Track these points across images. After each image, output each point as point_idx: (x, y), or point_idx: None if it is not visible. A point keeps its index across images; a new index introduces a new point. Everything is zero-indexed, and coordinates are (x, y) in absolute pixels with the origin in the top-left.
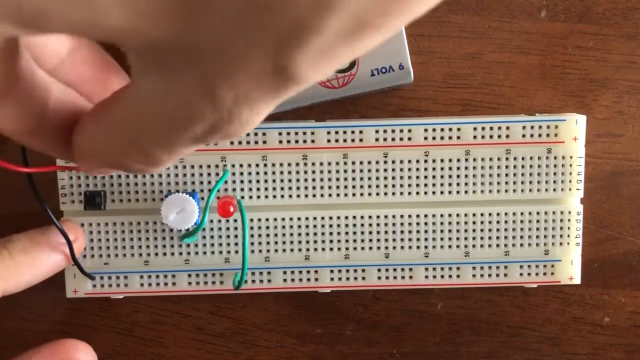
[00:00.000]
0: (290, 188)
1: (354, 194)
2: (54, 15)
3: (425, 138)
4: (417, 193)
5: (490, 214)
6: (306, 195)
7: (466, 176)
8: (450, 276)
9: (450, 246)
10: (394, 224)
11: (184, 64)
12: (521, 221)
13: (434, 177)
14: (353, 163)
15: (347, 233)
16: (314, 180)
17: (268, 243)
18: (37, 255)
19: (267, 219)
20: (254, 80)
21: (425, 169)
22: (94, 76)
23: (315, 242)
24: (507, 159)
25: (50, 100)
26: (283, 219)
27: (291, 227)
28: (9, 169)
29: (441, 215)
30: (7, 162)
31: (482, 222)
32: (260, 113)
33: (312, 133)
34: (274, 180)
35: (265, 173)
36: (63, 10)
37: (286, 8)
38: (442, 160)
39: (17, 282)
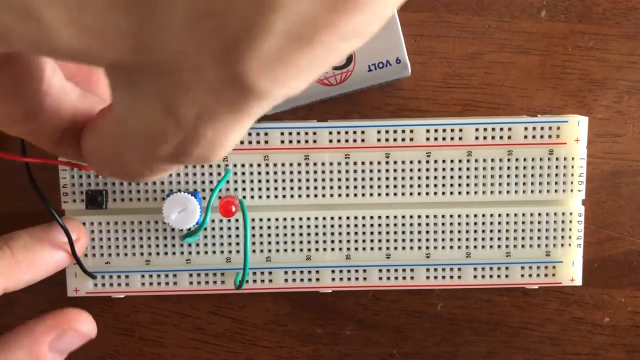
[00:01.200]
0: (292, 188)
1: (355, 195)
2: (16, 34)
3: (427, 139)
4: (419, 194)
5: (491, 215)
6: (308, 196)
7: (468, 177)
8: (451, 277)
9: (451, 247)
10: (395, 225)
11: (145, 81)
12: (522, 222)
13: (435, 177)
14: (355, 163)
15: (348, 233)
16: (315, 180)
17: (269, 243)
18: (39, 254)
19: (268, 219)
20: (213, 92)
21: (427, 170)
22: (78, 75)
23: (317, 242)
24: (508, 160)
25: (71, 109)
26: (285, 219)
27: (293, 227)
28: (9, 158)
29: (442, 216)
30: (6, 153)
31: (483, 223)
32: (228, 134)
33: (314, 133)
34: (275, 180)
35: (267, 173)
36: (22, 29)
37: (229, 10)
38: (443, 161)
39: (18, 279)
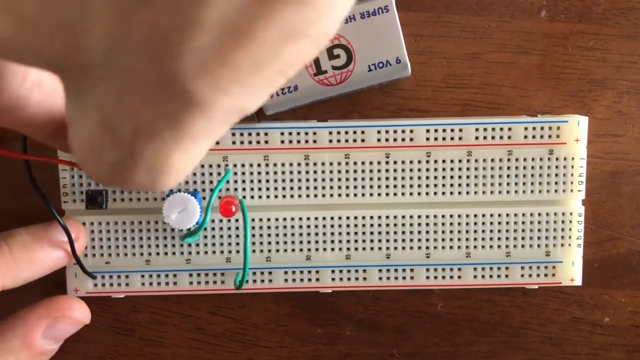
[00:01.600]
0: (292, 188)
1: (355, 194)
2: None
3: (427, 139)
4: (419, 194)
5: (491, 215)
6: (308, 196)
7: (468, 177)
8: (451, 277)
9: (451, 247)
10: (395, 225)
11: (88, 89)
12: (522, 222)
13: (435, 177)
14: (355, 163)
15: (348, 233)
16: (315, 180)
17: (269, 243)
18: (37, 252)
19: (268, 219)
20: (150, 102)
21: (427, 170)
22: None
23: (317, 242)
24: (508, 159)
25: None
26: (285, 219)
27: (293, 227)
28: (10, 156)
29: (442, 216)
30: (6, 150)
31: (483, 223)
32: (170, 156)
33: (314, 133)
34: (275, 180)
35: (267, 173)
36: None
37: (160, 0)
38: (443, 161)
39: (16, 277)
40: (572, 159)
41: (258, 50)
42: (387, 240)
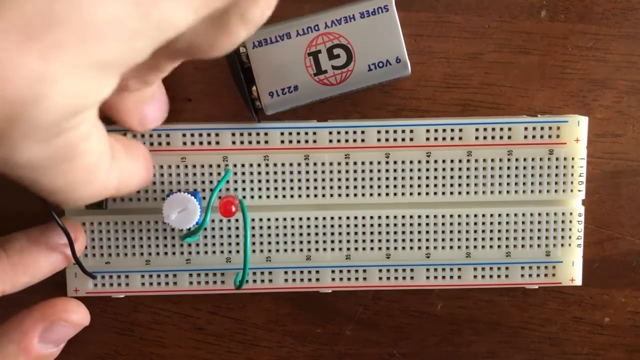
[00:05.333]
0: (292, 188)
1: (355, 195)
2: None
3: (427, 139)
4: (419, 194)
5: (491, 215)
6: (308, 196)
7: (468, 177)
8: (451, 277)
9: (451, 247)
10: (395, 225)
11: None
12: (522, 222)
13: (435, 177)
14: (355, 163)
15: (348, 233)
16: (315, 180)
17: (269, 243)
18: (35, 256)
19: (268, 219)
20: None
21: (427, 170)
22: None
23: (317, 242)
24: (509, 160)
25: None
26: (285, 219)
27: (293, 227)
28: None
29: (442, 216)
30: None
31: (483, 223)
32: None
33: (314, 133)
34: (275, 180)
35: (267, 173)
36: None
37: None
38: (444, 161)
39: (14, 282)
40: (572, 159)
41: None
42: (387, 240)
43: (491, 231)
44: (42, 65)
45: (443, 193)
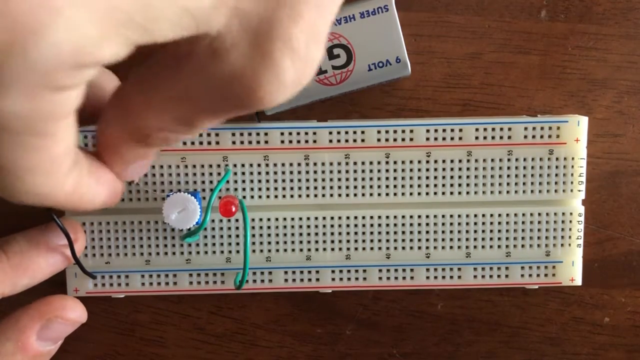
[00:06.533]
0: (292, 188)
1: (355, 194)
2: (162, 13)
3: (427, 139)
4: (419, 194)
5: (491, 215)
6: (308, 196)
7: (468, 177)
8: (451, 277)
9: (451, 247)
10: (395, 225)
11: None
12: (522, 222)
13: (435, 177)
14: (355, 163)
15: (348, 233)
16: (315, 180)
17: (269, 243)
18: (35, 258)
19: (268, 219)
20: None
21: (427, 170)
22: None
23: (317, 242)
24: (508, 159)
25: None
26: (284, 219)
27: (292, 227)
28: None
29: (442, 216)
30: None
31: (483, 223)
32: None
33: (314, 133)
34: (275, 180)
35: (267, 173)
36: (169, 1)
37: None
38: (443, 161)
39: (14, 284)
40: (572, 159)
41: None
42: (387, 240)
43: (491, 231)
44: None
45: (443, 193)
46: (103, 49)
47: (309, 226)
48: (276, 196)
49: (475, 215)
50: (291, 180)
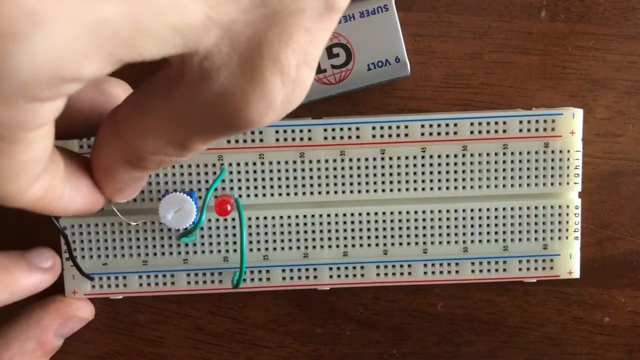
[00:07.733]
0: (287, 186)
1: (351, 191)
2: (150, 29)
3: (422, 134)
4: (415, 189)
5: (488, 209)
6: (304, 193)
7: (464, 171)
8: (449, 272)
9: (448, 242)
10: (392, 221)
11: None
12: (519, 216)
13: (431, 173)
14: (350, 160)
15: (345, 230)
16: (311, 177)
17: (266, 241)
18: (15, 274)
19: (264, 217)
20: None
21: (423, 165)
22: None
23: (314, 239)
24: (504, 153)
25: None
26: (281, 217)
27: (289, 225)
28: None
29: (439, 211)
30: None
31: (480, 218)
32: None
33: (309, 130)
34: (271, 179)
35: (262, 171)
36: (157, 18)
37: None
38: (439, 156)
39: None
40: (568, 151)
41: None
42: (384, 237)
43: (488, 225)
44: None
45: (439, 188)
46: (84, 65)
47: (305, 224)
48: (272, 194)
49: (472, 210)
50: (287, 178)
